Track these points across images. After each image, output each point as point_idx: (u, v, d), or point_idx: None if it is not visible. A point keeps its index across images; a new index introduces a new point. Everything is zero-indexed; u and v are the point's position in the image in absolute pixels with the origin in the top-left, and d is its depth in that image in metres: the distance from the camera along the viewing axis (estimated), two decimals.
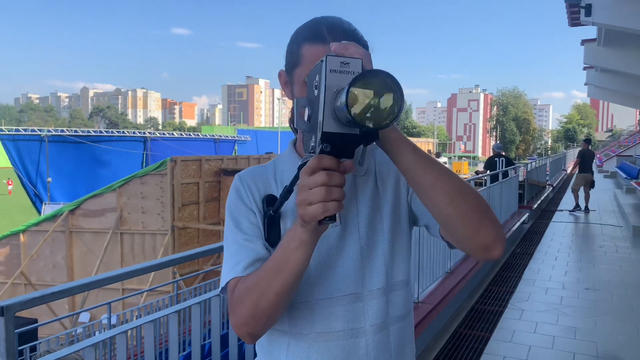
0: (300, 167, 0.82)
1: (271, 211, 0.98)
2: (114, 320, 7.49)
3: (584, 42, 14.87)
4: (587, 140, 13.13)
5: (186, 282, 11.20)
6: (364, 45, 0.98)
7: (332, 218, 0.77)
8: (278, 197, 0.98)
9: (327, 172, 0.75)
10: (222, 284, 0.98)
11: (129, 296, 9.97)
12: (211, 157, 14.63)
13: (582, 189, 11.86)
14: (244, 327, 0.92)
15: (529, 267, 6.53)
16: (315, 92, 0.77)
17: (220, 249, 2.30)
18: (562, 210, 12.13)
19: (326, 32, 0.95)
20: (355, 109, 0.71)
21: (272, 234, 0.99)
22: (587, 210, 11.81)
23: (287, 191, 0.91)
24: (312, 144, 0.78)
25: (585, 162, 12.05)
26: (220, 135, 27.33)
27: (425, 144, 48.18)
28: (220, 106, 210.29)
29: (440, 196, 0.86)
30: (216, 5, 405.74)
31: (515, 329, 4.38)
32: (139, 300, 10.72)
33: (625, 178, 16.32)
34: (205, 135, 26.79)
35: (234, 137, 28.20)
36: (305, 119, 0.80)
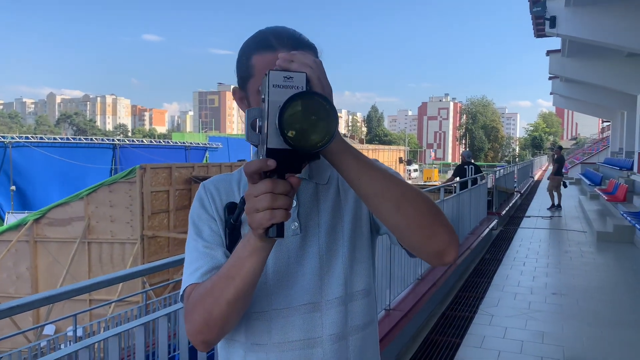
0: None
1: (232, 219, 0.97)
2: (80, 333, 7.27)
3: (549, 52, 15.34)
4: (560, 148, 14.58)
5: (156, 291, 10.99)
6: (313, 50, 0.98)
7: (280, 233, 0.77)
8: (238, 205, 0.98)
9: (272, 180, 0.75)
10: (180, 291, 0.98)
11: (96, 307, 9.72)
12: (182, 165, 14.46)
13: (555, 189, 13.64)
14: (198, 335, 0.91)
15: (498, 273, 6.64)
16: (263, 105, 0.77)
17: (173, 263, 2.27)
18: (529, 217, 12.40)
19: (273, 40, 0.95)
20: (290, 132, 0.71)
21: (233, 242, 0.98)
22: (559, 206, 13.42)
23: (243, 201, 0.91)
24: (260, 157, 0.77)
25: (560, 166, 13.92)
26: (191, 143, 27.07)
27: (396, 152, 48.67)
28: (191, 113, 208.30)
29: (386, 205, 0.85)
30: (187, 11, 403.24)
31: (485, 334, 4.44)
32: (107, 311, 10.46)
33: (589, 185, 16.79)
34: (176, 143, 26.51)
35: (205, 144, 27.94)
36: (257, 130, 0.80)
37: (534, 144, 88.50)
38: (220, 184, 1.06)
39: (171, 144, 25.96)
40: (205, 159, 25.35)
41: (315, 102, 0.73)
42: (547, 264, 7.26)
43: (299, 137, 0.72)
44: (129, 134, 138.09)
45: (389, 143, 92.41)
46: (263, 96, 0.77)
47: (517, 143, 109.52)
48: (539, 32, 11.56)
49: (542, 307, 5.22)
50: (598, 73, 13.97)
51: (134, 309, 8.98)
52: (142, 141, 24.79)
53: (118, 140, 23.69)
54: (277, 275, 0.97)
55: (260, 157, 0.77)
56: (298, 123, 0.72)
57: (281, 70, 0.77)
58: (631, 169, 14.24)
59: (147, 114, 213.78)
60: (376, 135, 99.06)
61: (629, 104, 16.17)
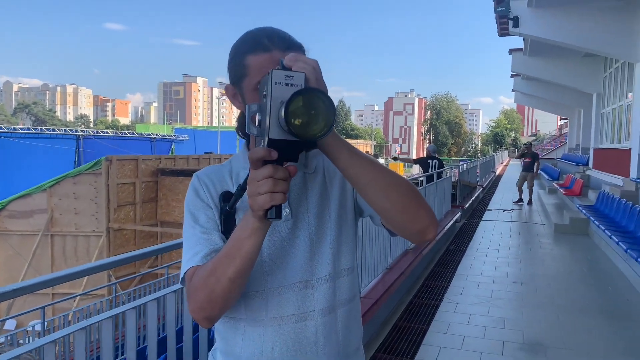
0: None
1: (227, 207, 1.07)
2: (42, 328, 7.14)
3: (511, 51, 15.80)
4: (530, 144, 14.52)
5: (122, 285, 10.87)
6: (302, 50, 1.08)
7: (278, 215, 0.87)
8: (233, 193, 1.08)
9: (273, 166, 0.85)
10: (181, 274, 1.06)
11: (60, 301, 9.54)
12: (148, 157, 14.26)
13: (525, 184, 13.66)
14: (201, 311, 0.99)
15: (462, 263, 6.90)
16: (264, 100, 0.86)
17: (160, 251, 2.32)
18: (491, 210, 12.82)
19: (267, 41, 1.04)
20: (293, 122, 0.82)
21: (228, 228, 1.07)
22: (530, 202, 13.51)
23: (241, 189, 1.01)
24: (261, 147, 0.87)
25: (534, 162, 13.69)
26: (156, 135, 26.60)
27: (363, 146, 49.15)
28: (155, 104, 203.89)
29: (377, 191, 0.98)
30: (151, 0, 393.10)
31: (450, 321, 4.64)
32: (71, 305, 10.28)
33: (548, 179, 17.45)
34: (141, 134, 26.00)
35: (171, 136, 27.50)
36: (256, 124, 0.89)
37: (496, 139, 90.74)
38: (213, 174, 1.14)
39: (137, 135, 25.46)
40: (171, 151, 24.98)
41: (315, 97, 0.84)
42: (508, 254, 7.57)
43: (303, 127, 0.83)
44: (91, 125, 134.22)
45: (356, 137, 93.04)
46: (264, 92, 0.87)
47: (480, 139, 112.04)
48: (503, 31, 11.91)
49: (504, 295, 5.48)
50: (557, 72, 14.51)
51: (98, 303, 8.85)
52: (105, 132, 24.20)
53: (81, 131, 23.07)
54: (271, 257, 1.08)
55: (261, 147, 0.87)
56: (301, 115, 0.83)
57: (282, 69, 0.87)
58: (587, 164, 14.88)
59: (109, 104, 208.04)
60: (343, 129, 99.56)
61: (585, 102, 16.86)
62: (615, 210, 7.54)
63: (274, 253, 1.08)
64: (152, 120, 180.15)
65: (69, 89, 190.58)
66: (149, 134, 26.05)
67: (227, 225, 1.08)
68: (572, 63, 13.97)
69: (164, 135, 27.28)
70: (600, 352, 3.97)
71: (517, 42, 16.99)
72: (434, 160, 9.96)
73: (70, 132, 21.87)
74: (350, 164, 0.96)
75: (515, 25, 9.69)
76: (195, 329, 2.52)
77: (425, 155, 10.66)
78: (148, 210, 13.10)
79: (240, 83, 1.08)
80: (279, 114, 0.84)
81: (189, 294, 1.02)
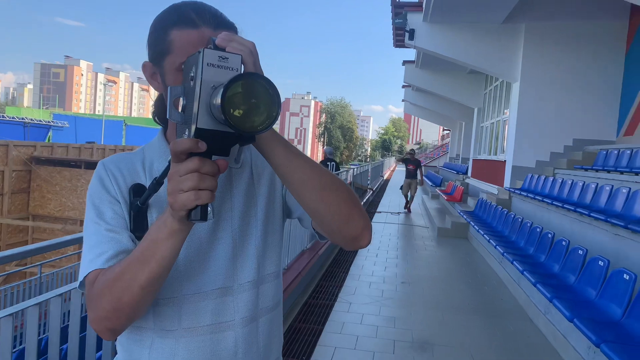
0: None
1: (138, 202, 0.92)
2: None
3: (404, 62, 16.61)
4: (413, 152, 14.83)
5: None
6: (234, 29, 0.96)
7: (203, 216, 0.75)
8: (146, 186, 0.94)
9: (199, 158, 0.73)
10: (80, 277, 0.90)
11: None
12: (21, 143, 12.87)
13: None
14: (104, 321, 0.85)
15: (354, 263, 7.07)
16: (192, 83, 0.74)
17: (34, 251, 2.05)
18: (380, 212, 13.36)
19: (195, 15, 0.91)
20: (232, 113, 0.69)
21: (138, 226, 0.93)
22: (408, 209, 13.88)
23: (157, 182, 0.88)
24: (186, 137, 0.74)
25: (417, 169, 14.07)
26: (31, 119, 24.16)
27: None
28: (30, 86, 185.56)
29: (311, 192, 0.88)
30: None
31: (344, 320, 4.70)
32: None
33: (431, 186, 18.66)
34: (13, 118, 23.43)
35: (48, 122, 25.17)
36: (180, 109, 0.76)
37: (384, 146, 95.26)
38: (122, 163, 0.99)
39: (7, 118, 22.87)
40: (48, 138, 22.84)
41: (258, 84, 0.72)
42: (396, 255, 7.91)
43: (242, 119, 0.71)
44: None
45: None
46: (192, 74, 0.74)
47: (369, 144, 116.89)
48: (398, 43, 12.47)
49: (394, 294, 5.69)
50: (444, 85, 15.53)
51: None
52: None
53: None
54: (188, 260, 0.95)
55: (187, 136, 0.74)
56: (240, 105, 0.70)
57: (215, 49, 0.75)
58: (466, 173, 16.11)
59: None
60: None
61: (467, 115, 18.28)
62: (492, 216, 8.20)
63: (191, 256, 0.95)
64: (25, 104, 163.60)
65: None
66: (22, 118, 23.57)
67: (137, 223, 0.94)
68: (458, 78, 15.04)
69: (40, 121, 24.86)
70: (479, 347, 4.25)
71: (410, 54, 17.94)
72: (332, 163, 10.14)
73: None
74: (286, 161, 0.86)
75: (411, 37, 10.17)
76: (99, 343, 2.25)
77: (323, 158, 10.81)
78: (18, 202, 11.80)
79: (160, 61, 0.94)
80: (210, 100, 0.71)
81: (90, 302, 0.86)
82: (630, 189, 5.02)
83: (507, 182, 9.97)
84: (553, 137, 9.45)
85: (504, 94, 12.17)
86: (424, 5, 9.73)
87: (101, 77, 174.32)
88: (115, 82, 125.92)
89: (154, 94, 1.04)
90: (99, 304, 0.84)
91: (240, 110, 0.70)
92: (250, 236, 1.01)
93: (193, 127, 0.72)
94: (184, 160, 0.73)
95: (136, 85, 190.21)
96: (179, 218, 0.76)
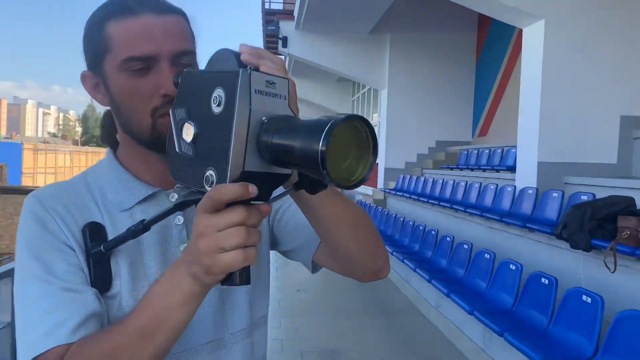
0: (182, 204, 0.67)
1: (102, 248, 0.74)
2: None
3: None
4: None
5: None
6: (184, 16, 0.80)
7: (246, 280, 0.60)
8: (103, 224, 0.77)
9: (246, 208, 0.58)
10: (27, 357, 0.67)
11: None
12: None
13: None
14: None
15: None
16: (217, 109, 0.59)
17: None
18: None
19: (131, 1, 0.75)
20: (339, 166, 0.54)
21: (98, 278, 0.75)
22: None
23: (144, 228, 0.71)
24: (212, 178, 0.59)
25: None
26: None
27: None
28: None
29: (344, 229, 0.80)
30: None
31: None
32: None
33: None
34: None
35: None
36: (190, 139, 0.62)
37: None
38: (66, 197, 0.78)
39: None
40: None
41: (360, 127, 0.56)
42: (285, 262, 7.89)
43: (347, 172, 0.55)
44: None
45: None
46: (217, 97, 0.59)
47: None
48: (270, 50, 12.51)
49: (291, 304, 5.66)
50: (315, 93, 15.99)
51: None
52: None
53: None
54: None
55: (208, 175, 0.60)
56: (340, 154, 0.55)
57: (239, 65, 0.63)
58: None
59: None
60: (93, 136, 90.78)
61: None
62: (373, 217, 8.58)
63: None
64: None
65: None
66: None
67: (97, 273, 0.74)
68: (328, 86, 15.58)
69: None
70: (383, 348, 4.39)
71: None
72: None
73: None
74: (327, 202, 0.75)
75: (285, 45, 10.26)
76: None
77: None
78: None
79: (100, 65, 0.76)
80: (259, 137, 0.58)
81: None
82: (497, 185, 5.58)
83: (380, 184, 10.52)
84: (418, 140, 10.21)
85: (372, 100, 12.86)
86: (295, 14, 9.89)
87: None
88: None
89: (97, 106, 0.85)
90: None
91: (347, 162, 0.56)
92: None
93: (235, 172, 0.57)
94: (223, 210, 0.58)
95: None
96: (210, 282, 0.61)
